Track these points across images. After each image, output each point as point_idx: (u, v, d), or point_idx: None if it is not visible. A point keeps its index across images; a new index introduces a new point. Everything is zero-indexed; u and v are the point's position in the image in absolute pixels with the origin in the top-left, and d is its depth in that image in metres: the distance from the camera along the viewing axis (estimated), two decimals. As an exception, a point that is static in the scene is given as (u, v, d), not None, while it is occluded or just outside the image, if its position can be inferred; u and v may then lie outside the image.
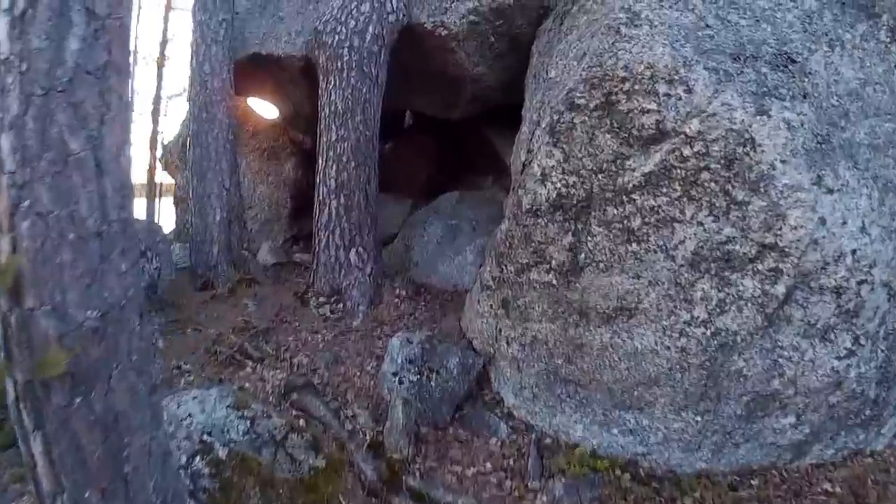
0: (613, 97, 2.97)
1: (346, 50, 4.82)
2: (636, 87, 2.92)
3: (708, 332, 3.04)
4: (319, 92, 5.07)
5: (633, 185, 3.02)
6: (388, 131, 7.29)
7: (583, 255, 3.21)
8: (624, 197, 3.06)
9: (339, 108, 4.83)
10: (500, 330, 3.88)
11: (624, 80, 2.94)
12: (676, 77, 2.88)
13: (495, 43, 5.39)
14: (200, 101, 5.80)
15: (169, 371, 4.14)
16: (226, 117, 5.82)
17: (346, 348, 4.46)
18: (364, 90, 4.85)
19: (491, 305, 3.95)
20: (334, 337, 4.64)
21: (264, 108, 7.93)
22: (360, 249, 4.98)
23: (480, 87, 5.92)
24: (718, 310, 2.99)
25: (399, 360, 3.90)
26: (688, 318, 3.08)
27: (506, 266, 3.67)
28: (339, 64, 4.84)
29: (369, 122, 4.92)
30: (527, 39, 5.22)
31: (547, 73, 3.83)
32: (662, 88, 2.90)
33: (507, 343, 3.81)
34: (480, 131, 7.93)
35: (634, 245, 3.08)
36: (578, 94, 3.07)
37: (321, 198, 4.99)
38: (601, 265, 3.16)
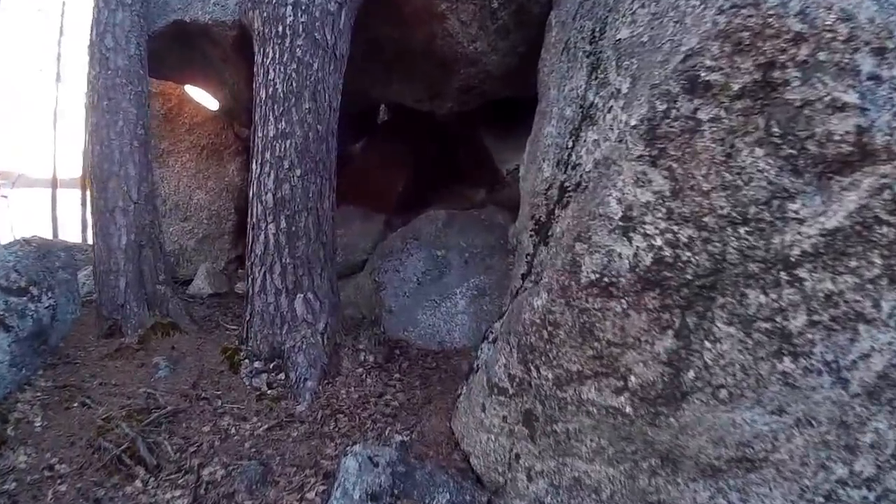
0: (776, 73, 1.54)
1: (289, 7, 3.34)
2: (820, 55, 1.49)
3: (871, 497, 1.68)
4: (255, 69, 3.57)
5: (801, 253, 1.59)
6: (355, 129, 5.80)
7: (691, 374, 1.76)
8: (782, 273, 1.62)
9: (280, 90, 3.35)
10: (518, 456, 2.43)
11: (798, 38, 1.50)
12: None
13: (499, 10, 3.97)
14: (100, 86, 4.25)
15: (39, 472, 2.76)
16: (134, 106, 4.28)
17: (281, 454, 2.98)
18: (315, 66, 3.37)
19: (505, 417, 2.49)
20: (268, 430, 3.16)
21: (205, 96, 6.35)
22: (310, 296, 3.50)
23: (477, 73, 4.49)
24: (893, 461, 1.63)
25: (357, 496, 2.44)
26: (844, 475, 1.72)
27: (538, 368, 2.23)
28: (279, 28, 3.35)
29: (323, 112, 3.43)
30: (539, 11, 3.99)
31: (616, 33, 2.39)
32: (868, 64, 1.48)
33: (529, 477, 2.37)
34: (472, 132, 6.51)
35: (788, 361, 1.65)
36: (709, 63, 1.62)
37: (254, 220, 3.49)
38: (722, 393, 1.73)
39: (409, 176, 6.50)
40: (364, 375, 3.56)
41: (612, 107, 2.08)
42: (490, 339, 2.92)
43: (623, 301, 1.87)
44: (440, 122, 6.02)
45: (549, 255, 2.32)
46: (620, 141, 1.88)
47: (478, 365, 2.90)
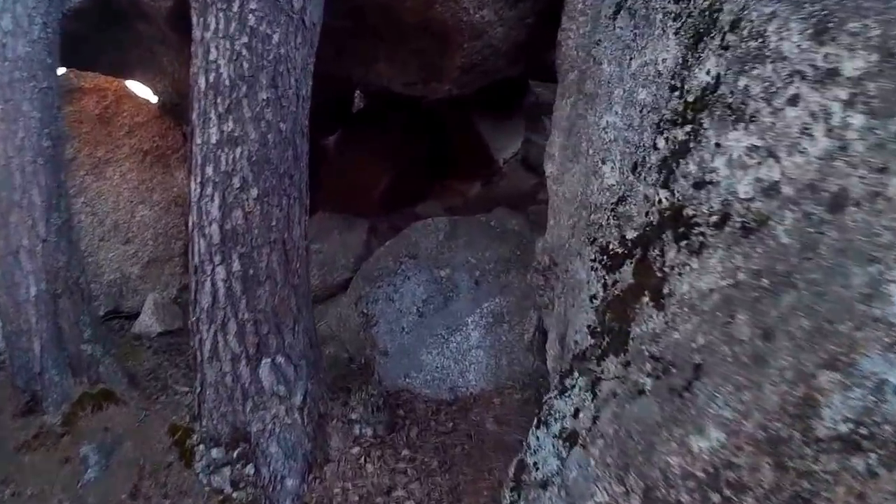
0: None
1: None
2: None
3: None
4: (192, 48, 2.57)
5: None
6: (327, 119, 4.82)
7: None
8: None
9: (226, 76, 2.36)
10: None
11: None
12: None
13: (511, -31, 3.05)
14: (-6, 83, 3.25)
15: None
16: (37, 109, 3.28)
17: None
18: (276, 39, 2.39)
19: None
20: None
21: (147, 90, 5.26)
22: (281, 360, 2.56)
23: (482, 47, 3.56)
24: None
25: None
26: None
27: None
28: (221, -12, 2.36)
29: (287, 104, 2.46)
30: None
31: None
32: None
33: None
34: (463, 117, 5.57)
35: None
36: None
37: (197, 260, 2.53)
38: None
39: (393, 171, 5.57)
40: (362, 458, 2.64)
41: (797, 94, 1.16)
42: (559, 434, 2.04)
43: (872, 455, 0.98)
44: (426, 108, 5.06)
45: (697, 346, 1.42)
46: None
47: (543, 476, 2.01)
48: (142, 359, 3.88)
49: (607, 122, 2.31)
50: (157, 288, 4.82)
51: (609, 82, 2.39)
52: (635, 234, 2.06)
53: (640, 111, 2.13)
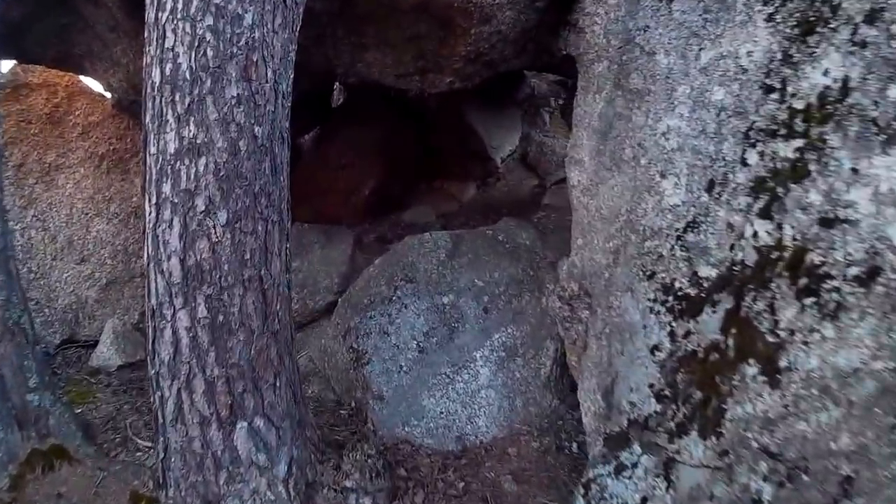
0: None
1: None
2: None
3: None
4: (145, 34, 2.03)
5: None
6: (304, 116, 4.33)
7: None
8: None
9: (186, 67, 1.83)
10: None
11: None
12: None
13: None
14: None
15: None
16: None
17: None
18: (249, 19, 1.86)
19: None
20: None
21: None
22: (260, 423, 2.06)
23: (490, 34, 3.08)
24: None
25: None
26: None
27: None
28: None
29: (264, 103, 1.94)
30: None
31: None
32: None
33: None
34: (455, 111, 5.09)
35: None
36: None
37: (154, 303, 2.00)
38: None
39: (380, 173, 5.05)
40: (362, 538, 2.16)
41: None
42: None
43: None
44: (414, 102, 4.56)
45: None
46: None
47: None
48: (99, 401, 3.33)
49: (668, 126, 1.86)
50: (116, 313, 4.24)
51: (668, 77, 1.93)
52: (714, 273, 1.62)
53: (717, 115, 1.69)
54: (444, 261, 3.20)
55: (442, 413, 2.83)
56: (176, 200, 1.86)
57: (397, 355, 2.92)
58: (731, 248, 1.60)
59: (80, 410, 3.07)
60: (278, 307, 2.06)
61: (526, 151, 5.59)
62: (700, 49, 1.82)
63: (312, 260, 3.85)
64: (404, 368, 2.90)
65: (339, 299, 3.46)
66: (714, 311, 1.62)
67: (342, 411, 2.98)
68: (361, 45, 3.24)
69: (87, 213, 4.42)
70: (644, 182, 2.00)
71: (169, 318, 1.95)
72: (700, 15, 1.85)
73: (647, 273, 1.92)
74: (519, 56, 3.64)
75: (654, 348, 1.84)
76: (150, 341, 2.06)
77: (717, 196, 1.68)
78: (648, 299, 1.89)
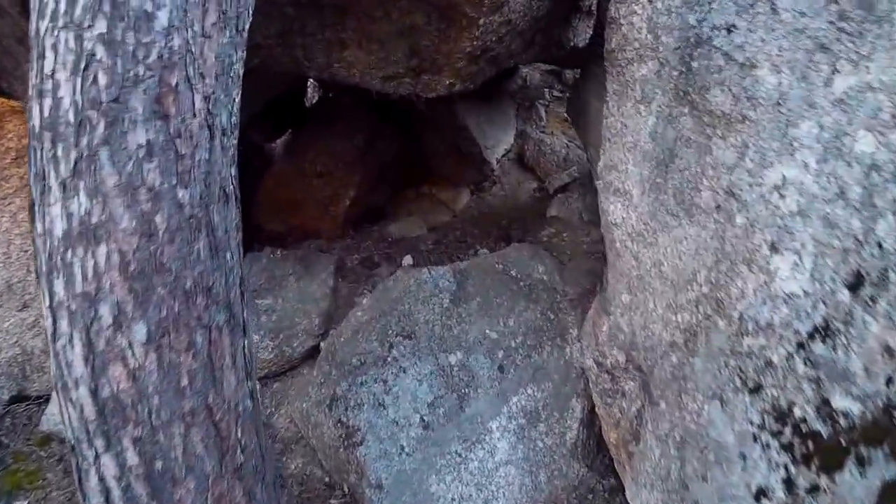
0: None
1: None
2: None
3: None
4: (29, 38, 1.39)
5: None
6: (272, 119, 3.76)
7: None
8: None
9: (69, 104, 1.20)
10: None
11: None
12: None
13: None
14: None
15: None
16: None
17: None
18: (164, 20, 1.21)
19: None
20: None
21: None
22: None
23: (498, 26, 2.49)
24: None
25: None
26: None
27: None
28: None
29: (191, 149, 1.30)
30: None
31: None
32: None
33: None
34: (445, 107, 4.48)
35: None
36: None
37: (72, 436, 1.43)
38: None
39: (362, 180, 4.42)
40: None
41: None
42: None
43: None
44: (399, 98, 3.95)
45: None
46: None
47: None
48: (49, 485, 2.74)
49: (783, 176, 1.30)
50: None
51: (780, 104, 1.36)
52: (858, 410, 1.08)
53: (866, 175, 1.12)
54: (447, 308, 2.63)
55: (454, 500, 2.29)
56: (73, 307, 1.26)
57: (397, 433, 2.36)
58: (889, 381, 1.08)
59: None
60: (240, 434, 1.47)
61: (522, 150, 5.00)
62: (834, 71, 1.26)
63: (287, 296, 3.25)
64: (406, 450, 2.34)
65: (322, 349, 2.89)
66: (863, 475, 1.09)
67: (333, 501, 2.43)
68: (339, 42, 2.61)
69: (26, 251, 3.73)
70: (739, 249, 1.45)
71: (92, 462, 1.35)
72: (831, 22, 1.28)
73: (748, 383, 1.39)
74: (526, 50, 3.05)
75: (761, 493, 1.31)
76: (77, 480, 1.47)
77: (866, 301, 1.14)
78: (751, 422, 1.36)
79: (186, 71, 1.26)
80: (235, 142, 1.41)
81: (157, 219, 1.22)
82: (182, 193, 1.23)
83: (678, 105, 1.78)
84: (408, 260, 3.78)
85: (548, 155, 4.79)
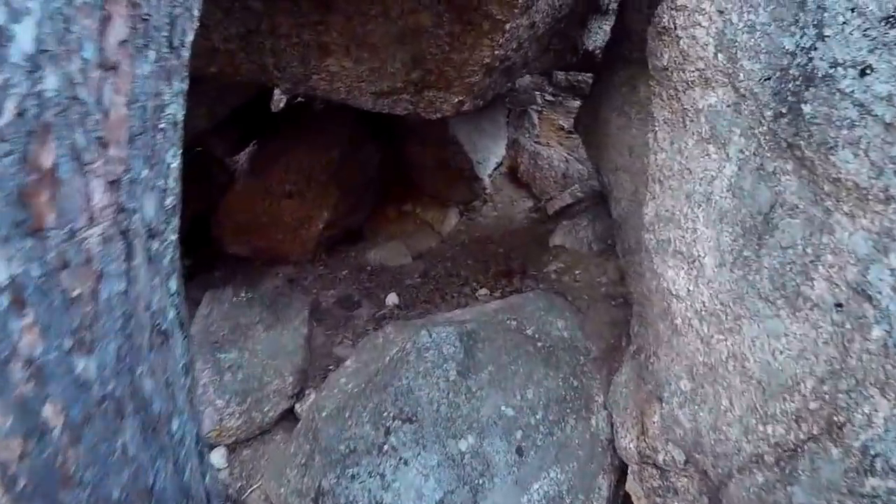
0: None
1: None
2: None
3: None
4: None
5: None
6: (236, 129, 3.24)
7: None
8: None
9: None
10: None
11: None
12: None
13: None
14: None
15: None
16: None
17: None
18: (27, 41, 0.67)
19: None
20: None
21: None
22: None
23: (523, 30, 2.03)
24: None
25: None
26: None
27: None
28: None
29: (91, 219, 0.77)
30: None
31: None
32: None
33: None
34: (435, 119, 3.98)
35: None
36: None
37: None
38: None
39: (337, 201, 3.92)
40: None
41: None
42: None
43: None
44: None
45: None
46: None
47: None
48: None
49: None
50: None
51: None
52: None
53: None
54: (454, 381, 2.16)
55: None
56: None
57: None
58: None
59: None
60: None
61: (515, 163, 4.55)
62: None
63: (255, 349, 2.74)
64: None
65: (300, 418, 2.41)
66: None
67: None
68: (321, 47, 2.10)
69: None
70: (872, 367, 1.05)
71: None
72: None
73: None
74: (541, 57, 2.62)
75: None
76: None
77: None
78: None
79: (73, 138, 0.67)
80: (175, 237, 0.88)
81: (47, 410, 0.71)
82: (83, 364, 0.71)
83: (776, 158, 1.36)
84: (392, 299, 3.31)
85: (544, 170, 4.35)
